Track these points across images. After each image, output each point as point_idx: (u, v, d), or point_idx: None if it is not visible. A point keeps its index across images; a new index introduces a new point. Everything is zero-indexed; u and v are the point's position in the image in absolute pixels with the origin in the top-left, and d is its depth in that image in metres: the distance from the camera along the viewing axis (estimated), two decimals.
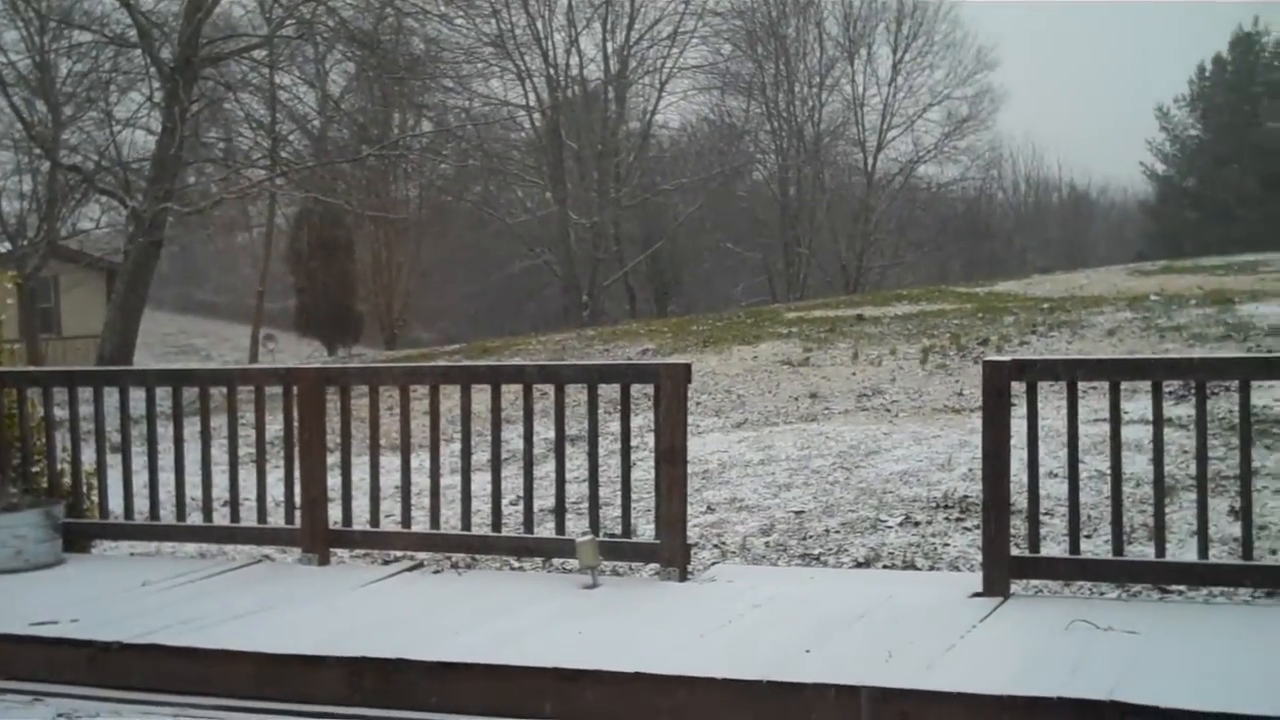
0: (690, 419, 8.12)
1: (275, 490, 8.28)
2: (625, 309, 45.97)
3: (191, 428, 8.50)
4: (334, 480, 8.03)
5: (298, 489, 8.00)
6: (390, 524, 8.13)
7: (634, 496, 7.44)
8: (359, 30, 26.68)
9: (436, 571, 7.63)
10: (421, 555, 7.87)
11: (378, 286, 42.59)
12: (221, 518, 8.47)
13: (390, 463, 8.47)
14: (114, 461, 8.55)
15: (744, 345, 16.38)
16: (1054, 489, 7.67)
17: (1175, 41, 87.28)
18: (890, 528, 8.09)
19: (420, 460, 8.22)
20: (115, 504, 8.58)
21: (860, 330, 16.83)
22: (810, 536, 8.04)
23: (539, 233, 46.98)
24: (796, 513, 8.59)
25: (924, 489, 8.87)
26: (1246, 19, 56.60)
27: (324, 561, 7.90)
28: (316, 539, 7.91)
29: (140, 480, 8.51)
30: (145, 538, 8.62)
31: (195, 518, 8.43)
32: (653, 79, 48.19)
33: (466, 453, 7.71)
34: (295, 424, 8.01)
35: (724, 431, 11.63)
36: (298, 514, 8.02)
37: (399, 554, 7.95)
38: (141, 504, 8.49)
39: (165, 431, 8.51)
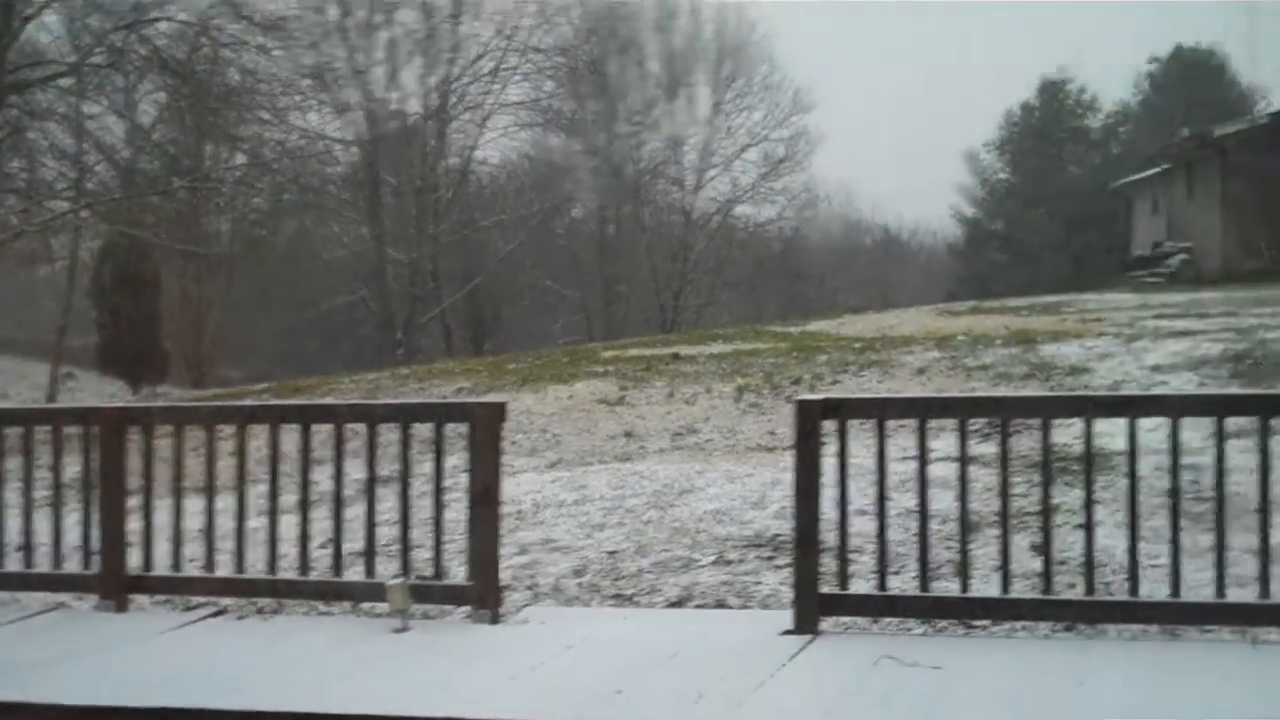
0: (505, 459, 8.08)
1: (72, 534, 8.00)
2: (442, 347, 45.61)
3: None
4: (135, 524, 7.80)
5: (95, 533, 7.76)
6: (193, 568, 7.92)
7: (446, 538, 7.37)
8: (172, 59, 26.16)
9: (241, 618, 7.46)
10: (226, 601, 7.68)
11: (185, 323, 41.59)
12: (14, 564, 8.16)
13: (195, 505, 8.25)
14: None
15: (560, 384, 16.39)
16: (863, 526, 7.81)
17: (985, 88, 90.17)
18: (703, 567, 8.14)
19: (226, 502, 8.03)
20: None
21: (676, 369, 16.98)
22: (624, 576, 8.05)
23: (355, 268, 46.43)
24: (610, 553, 8.60)
25: (736, 527, 8.95)
26: (1052, 68, 58.82)
27: (122, 608, 7.66)
28: (114, 585, 7.67)
29: None
30: None
31: None
32: (474, 115, 48.10)
33: (274, 494, 7.57)
34: (95, 465, 7.78)
35: (539, 471, 11.60)
36: (95, 559, 7.78)
37: (202, 600, 7.75)
38: None
39: None
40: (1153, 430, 7.98)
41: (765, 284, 55.10)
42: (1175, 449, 6.32)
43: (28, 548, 8.01)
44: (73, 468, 8.41)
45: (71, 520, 8.04)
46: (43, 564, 8.06)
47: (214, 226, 41.63)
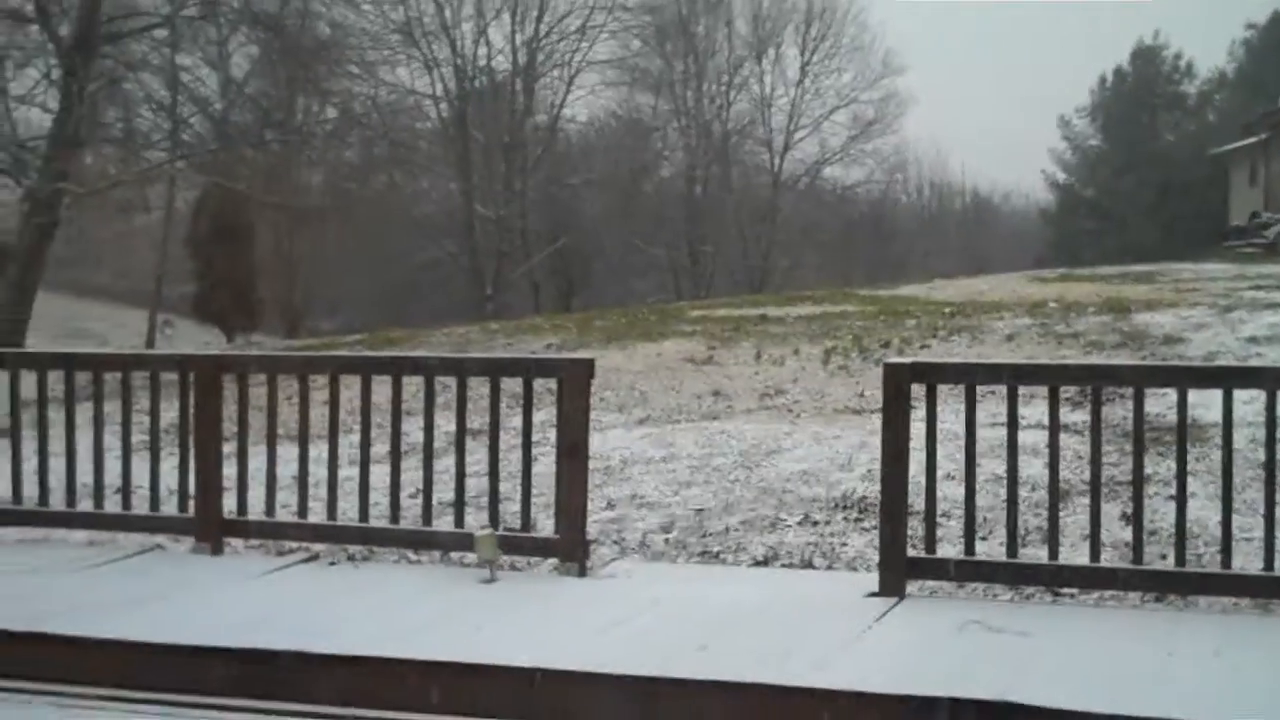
0: (593, 415, 8.12)
1: (169, 478, 8.16)
2: (530, 303, 45.82)
3: (84, 413, 8.37)
4: (229, 470, 7.93)
5: (192, 477, 7.91)
6: (286, 515, 8.06)
7: (534, 491, 7.43)
8: (263, 13, 26.33)
9: (333, 563, 7.57)
10: (318, 547, 7.81)
11: (278, 274, 42.10)
12: (113, 505, 8.33)
13: (287, 453, 8.39)
14: (2, 446, 8.38)
15: (648, 342, 16.41)
16: (951, 491, 7.77)
17: (1078, 52, 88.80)
18: (789, 527, 8.15)
19: (318, 451, 8.15)
20: (3, 489, 8.41)
21: (764, 330, 16.94)
22: (710, 534, 8.08)
23: (444, 224, 46.73)
24: (697, 510, 8.63)
25: (823, 489, 8.94)
26: (1148, 32, 57.76)
27: (217, 551, 7.81)
28: (210, 528, 7.82)
29: (30, 466, 8.35)
30: (34, 524, 8.45)
31: (86, 504, 8.30)
32: (561, 72, 48.14)
33: (366, 444, 7.66)
34: (191, 411, 7.92)
35: (626, 428, 11.64)
36: (191, 503, 7.93)
37: (294, 545, 7.88)
38: (30, 489, 8.34)
39: (57, 416, 8.36)
40: (1248, 403, 7.88)
41: (854, 246, 54.80)
42: (1272, 422, 6.22)
43: (126, 490, 8.18)
44: (169, 414, 8.58)
45: (168, 465, 8.20)
46: (140, 506, 8.22)
47: (306, 180, 42.00)
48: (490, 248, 45.15)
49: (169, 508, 8.14)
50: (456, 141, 45.14)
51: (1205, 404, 8.28)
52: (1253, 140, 37.61)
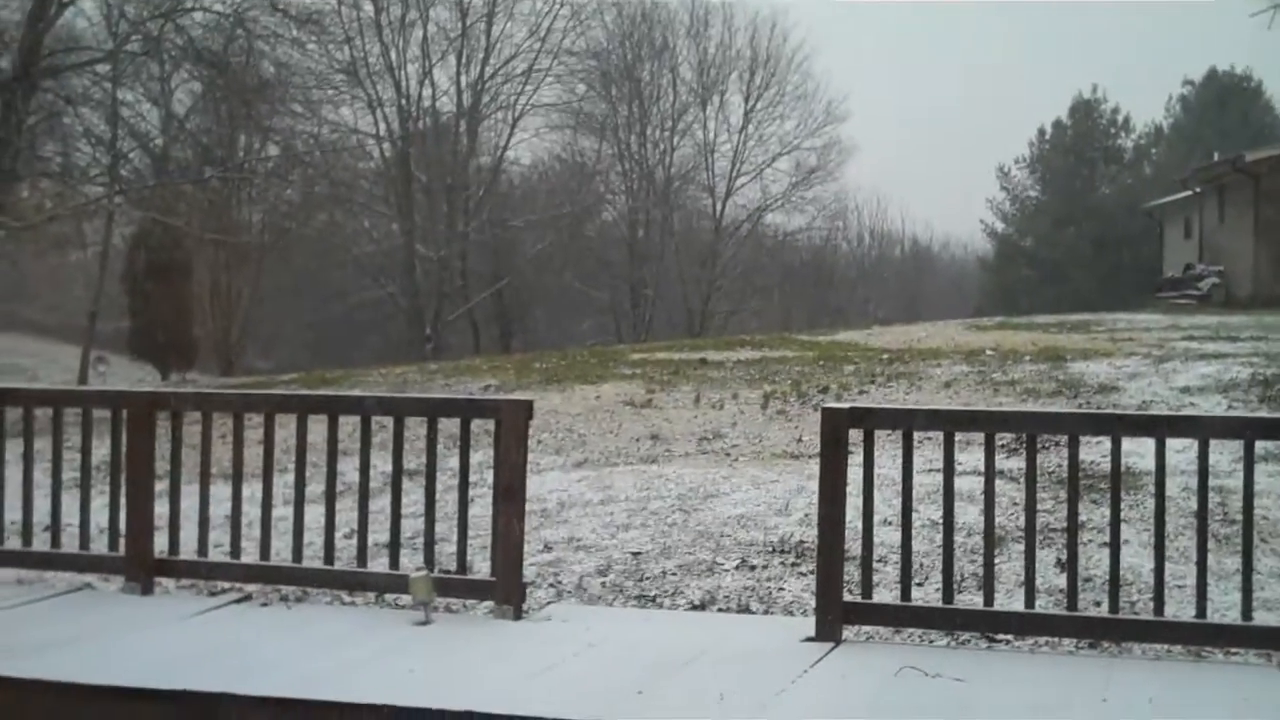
0: (530, 457, 8.09)
1: (100, 516, 8.05)
2: (469, 344, 45.72)
3: (14, 449, 8.25)
4: (161, 508, 7.83)
5: (123, 516, 7.81)
6: (219, 554, 7.97)
7: (471, 533, 7.39)
8: (207, 50, 26.25)
9: (265, 604, 7.49)
10: (250, 588, 7.72)
11: (216, 312, 41.77)
12: (42, 543, 8.21)
13: (221, 492, 8.30)
14: None
15: (587, 385, 16.39)
16: (888, 536, 7.79)
17: (1018, 104, 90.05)
18: (726, 571, 8.13)
19: (252, 490, 8.07)
20: None
21: (703, 374, 16.96)
22: (647, 578, 8.06)
23: (384, 264, 46.57)
24: (634, 554, 8.60)
25: (761, 533, 8.94)
26: (1087, 86, 58.63)
27: (148, 591, 7.70)
28: (141, 568, 7.71)
29: None
30: None
31: (14, 542, 8.17)
32: (505, 115, 48.19)
33: (300, 484, 7.59)
34: (123, 449, 7.83)
35: (564, 470, 11.60)
36: (122, 541, 7.83)
37: (227, 586, 7.78)
38: None
39: None
40: (1181, 451, 7.97)
41: (794, 292, 55.15)
42: (1204, 470, 6.29)
43: (55, 528, 8.06)
44: (101, 451, 8.47)
45: (99, 503, 8.09)
46: (70, 545, 8.11)
47: (245, 217, 41.78)
48: (431, 288, 45.03)
49: (99, 546, 8.03)
50: (399, 181, 45.06)
51: (1139, 452, 8.36)
52: (1187, 194, 38.17)
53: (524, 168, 51.58)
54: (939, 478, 6.86)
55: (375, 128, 45.04)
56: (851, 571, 6.80)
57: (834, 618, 6.53)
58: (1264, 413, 11.48)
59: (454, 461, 7.66)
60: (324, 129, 39.35)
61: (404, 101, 45.47)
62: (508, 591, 7.06)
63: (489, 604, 7.17)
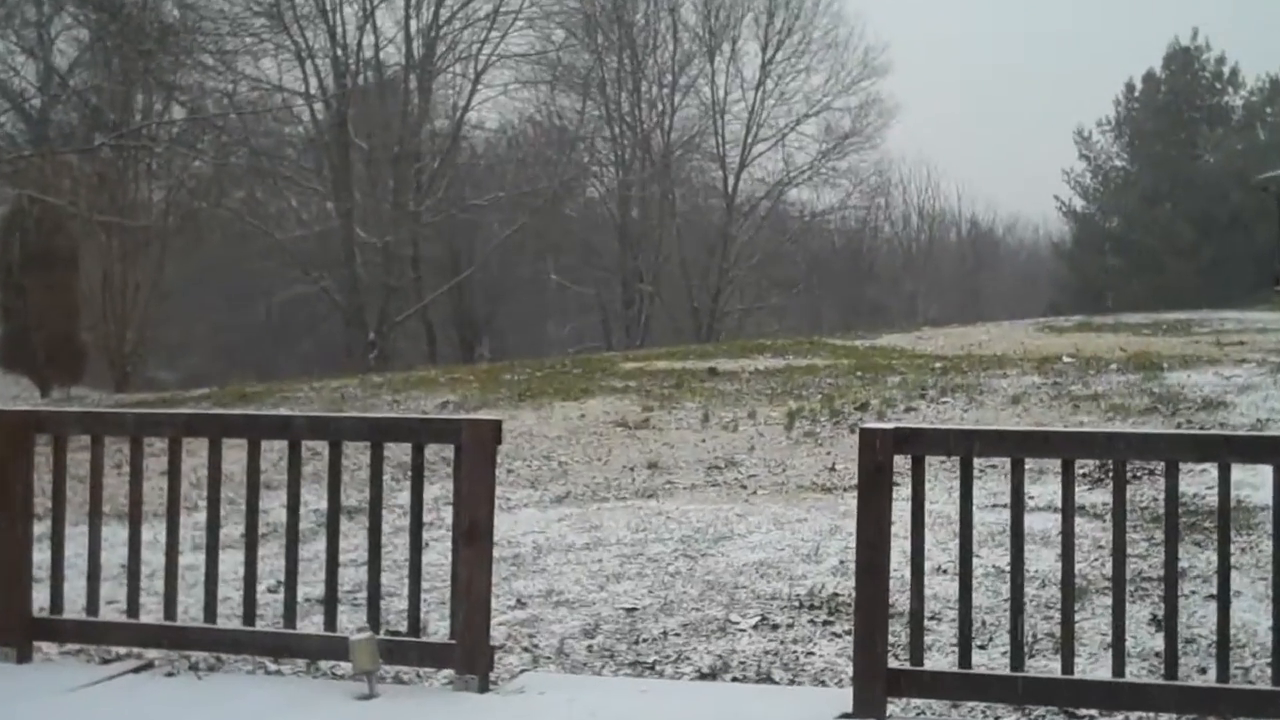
0: (500, 490, 8.09)
1: None
2: (423, 351, 45.76)
3: None
4: (41, 555, 7.83)
5: None
6: (113, 612, 7.95)
7: (425, 585, 7.38)
8: None
9: (170, 674, 7.48)
10: (152, 653, 7.70)
11: (108, 312, 41.75)
12: None
13: (116, 535, 8.28)
14: None
15: (569, 401, 16.41)
16: (942, 588, 7.79)
17: (1100, 52, 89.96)
18: (743, 631, 8.14)
19: (154, 533, 8.06)
20: None
21: (713, 387, 16.98)
22: (644, 640, 8.06)
23: (316, 252, 46.50)
24: (628, 610, 8.61)
25: (785, 584, 8.94)
26: (1184, 30, 58.52)
27: (24, 658, 7.69)
28: (15, 629, 7.69)
29: None
30: None
31: None
32: (465, 68, 48.19)
33: (214, 525, 7.58)
34: None
35: (541, 507, 11.61)
36: None
37: (123, 651, 7.78)
38: None
39: None
40: None
41: (825, 285, 55.16)
42: None
43: None
44: None
45: None
46: None
47: (145, 195, 41.77)
48: (375, 282, 45.04)
49: None
50: (334, 150, 45.06)
51: (1253, 483, 8.38)
52: None
53: (489, 133, 51.64)
54: (1005, 515, 6.86)
55: (304, 84, 45.08)
56: (898, 631, 6.80)
57: (876, 689, 6.52)
58: None
59: (404, 497, 7.65)
60: (241, 86, 39.42)
61: (340, 52, 45.49)
62: (471, 657, 7.04)
63: (448, 673, 7.16)
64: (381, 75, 47.03)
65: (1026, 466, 6.74)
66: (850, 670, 6.74)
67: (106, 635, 7.78)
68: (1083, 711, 6.63)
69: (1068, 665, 6.55)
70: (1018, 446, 6.94)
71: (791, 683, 7.34)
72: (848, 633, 7.41)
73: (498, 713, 6.68)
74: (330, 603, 7.37)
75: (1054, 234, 64.28)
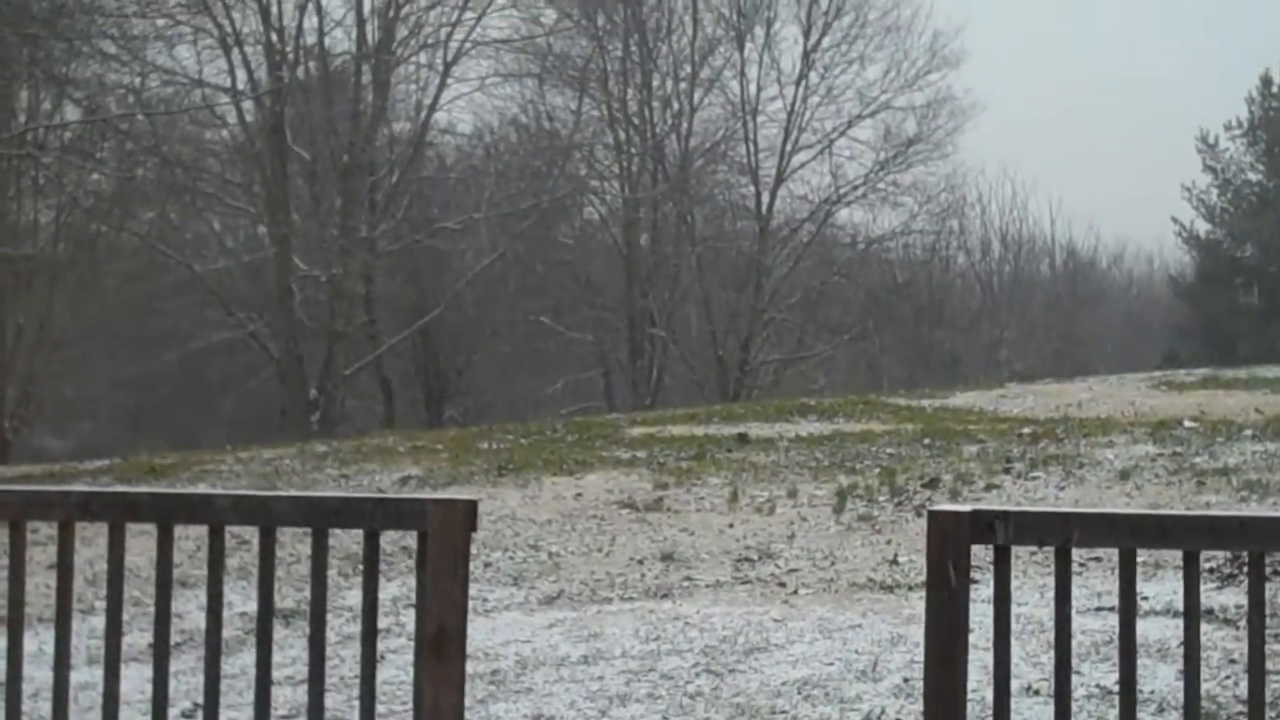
0: (475, 588, 8.10)
1: None
2: (378, 413, 45.79)
3: None
4: None
5: None
6: None
7: (381, 708, 7.37)
8: None
9: None
10: None
11: None
12: None
13: None
14: None
15: (562, 476, 16.42)
16: (1033, 713, 7.78)
17: (1226, 37, 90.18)
18: None
19: (40, 641, 8.06)
20: None
21: (744, 458, 16.99)
22: None
23: (245, 288, 46.56)
24: None
25: (835, 709, 8.93)
26: None
27: None
28: None
29: None
30: None
31: None
32: (432, 56, 48.22)
33: (115, 632, 7.58)
34: None
35: (526, 610, 11.61)
36: None
37: None
38: None
39: None
40: None
41: (883, 330, 54.99)
42: None
43: None
44: None
45: None
46: None
47: (29, 217, 41.82)
48: (318, 326, 45.05)
49: None
50: (268, 161, 45.10)
51: None
52: None
53: (462, 139, 51.61)
54: (1112, 620, 6.86)
55: (231, 77, 45.15)
56: None
57: None
58: None
59: (355, 597, 7.66)
60: (152, 80, 39.54)
61: (275, 37, 45.54)
62: None
63: None
64: (327, 67, 47.09)
65: (1139, 559, 6.74)
66: None
67: None
68: None
69: None
70: (1128, 534, 6.93)
71: None
72: None
73: None
74: None
75: (1172, 265, 64.32)
